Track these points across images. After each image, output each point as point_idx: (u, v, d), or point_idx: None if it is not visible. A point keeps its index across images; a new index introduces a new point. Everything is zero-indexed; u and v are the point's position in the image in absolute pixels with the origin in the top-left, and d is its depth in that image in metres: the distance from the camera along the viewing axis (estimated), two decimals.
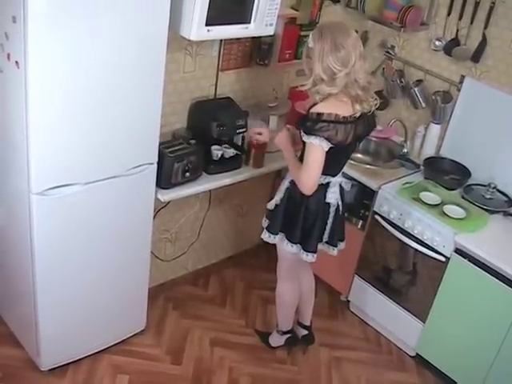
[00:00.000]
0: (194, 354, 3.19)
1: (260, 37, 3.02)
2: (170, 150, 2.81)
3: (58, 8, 2.06)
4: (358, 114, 2.49)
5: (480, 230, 2.99)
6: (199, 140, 2.95)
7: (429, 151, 3.55)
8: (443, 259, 3.03)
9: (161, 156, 2.73)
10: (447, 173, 3.40)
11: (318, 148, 2.43)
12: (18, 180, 2.46)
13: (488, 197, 3.23)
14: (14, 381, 2.82)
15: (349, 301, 3.66)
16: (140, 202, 2.78)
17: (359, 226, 3.41)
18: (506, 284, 2.78)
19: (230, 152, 3.06)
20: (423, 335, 3.24)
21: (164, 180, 2.81)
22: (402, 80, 3.59)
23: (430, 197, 3.17)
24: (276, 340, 3.28)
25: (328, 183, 2.67)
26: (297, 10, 3.16)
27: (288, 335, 3.25)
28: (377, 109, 2.61)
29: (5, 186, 2.64)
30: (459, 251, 2.94)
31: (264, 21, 2.78)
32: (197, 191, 3.00)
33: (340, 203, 2.76)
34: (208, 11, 2.52)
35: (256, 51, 3.18)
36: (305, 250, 2.76)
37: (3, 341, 3.00)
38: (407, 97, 3.59)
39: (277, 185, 2.91)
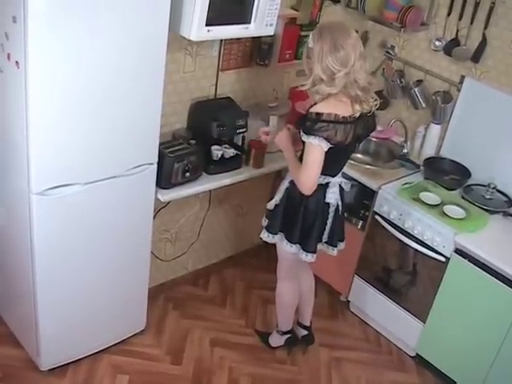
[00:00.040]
0: (193, 354, 3.19)
1: (260, 37, 3.02)
2: (170, 150, 2.81)
3: (58, 8, 2.06)
4: (357, 115, 2.49)
5: (480, 230, 2.99)
6: (199, 140, 2.95)
7: (429, 151, 3.55)
8: (443, 259, 3.03)
9: (161, 156, 2.73)
10: (447, 173, 3.40)
11: (317, 148, 2.43)
12: (17, 180, 2.46)
13: (488, 197, 3.23)
14: (13, 381, 2.82)
15: (349, 301, 3.66)
16: (140, 202, 2.78)
17: (359, 227, 3.41)
18: (506, 284, 2.78)
19: (230, 152, 3.06)
20: (423, 335, 3.24)
21: (164, 180, 2.82)
22: (402, 80, 3.59)
23: (430, 197, 3.17)
24: (276, 340, 3.28)
25: (327, 183, 2.67)
26: (297, 10, 3.16)
27: (288, 335, 3.25)
28: (377, 109, 2.61)
29: (5, 186, 2.64)
30: (459, 251, 2.94)
31: (264, 21, 2.78)
32: (197, 191, 3.00)
33: (340, 203, 2.76)
34: (208, 11, 2.52)
35: (256, 51, 3.18)
36: (304, 250, 2.76)
37: (3, 341, 3.00)
38: (407, 97, 3.59)
39: (277, 185, 2.91)
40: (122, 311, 3.00)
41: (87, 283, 2.76)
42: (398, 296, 3.34)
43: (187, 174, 2.85)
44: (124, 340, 3.13)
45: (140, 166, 2.66)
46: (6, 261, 2.89)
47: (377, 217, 3.28)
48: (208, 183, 3.00)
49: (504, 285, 2.79)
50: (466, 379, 3.11)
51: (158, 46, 2.44)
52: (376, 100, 2.57)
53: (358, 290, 3.54)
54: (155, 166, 2.73)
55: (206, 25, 2.56)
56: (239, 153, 3.11)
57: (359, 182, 3.29)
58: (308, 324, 3.27)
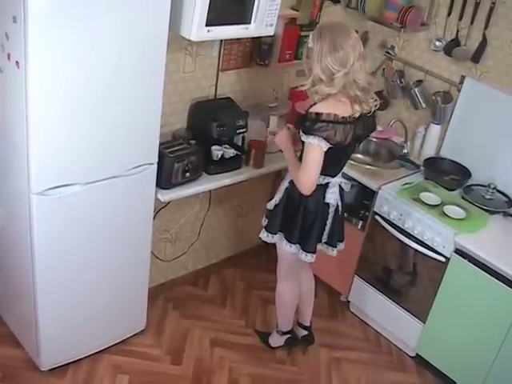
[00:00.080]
0: (193, 354, 3.19)
1: (260, 37, 3.02)
2: (170, 150, 2.81)
3: (58, 8, 2.06)
4: (357, 115, 2.48)
5: (480, 231, 2.99)
6: (199, 140, 2.95)
7: (429, 152, 3.55)
8: (443, 259, 3.03)
9: (161, 156, 2.73)
10: (447, 173, 3.40)
11: (316, 148, 2.43)
12: (18, 180, 2.46)
13: (488, 197, 3.22)
14: (14, 381, 2.82)
15: (349, 301, 3.66)
16: (140, 202, 2.78)
17: (359, 227, 3.41)
18: (506, 284, 2.78)
19: (230, 152, 3.06)
20: (423, 335, 3.24)
21: (164, 180, 2.82)
22: (402, 80, 3.59)
23: (430, 197, 3.17)
24: (276, 340, 3.28)
25: (327, 183, 2.67)
26: (297, 11, 3.16)
27: (288, 335, 3.25)
28: (377, 109, 2.61)
29: (5, 186, 2.64)
30: (459, 251, 2.94)
31: (264, 21, 2.78)
32: (197, 191, 3.00)
33: (339, 204, 2.76)
34: (208, 11, 2.52)
35: (256, 51, 3.18)
36: (304, 250, 2.76)
37: (3, 341, 3.00)
38: (407, 97, 3.59)
39: (277, 185, 2.91)
40: (122, 311, 3.00)
41: (87, 283, 2.76)
42: (398, 296, 3.34)
43: (187, 174, 2.85)
44: (124, 340, 3.13)
45: (140, 166, 2.66)
46: (5, 261, 2.89)
47: (377, 217, 3.28)
48: (208, 183, 3.00)
49: (504, 285, 2.79)
50: (466, 379, 3.11)
51: (158, 46, 2.44)
52: (376, 100, 2.57)
53: (358, 290, 3.54)
54: (155, 166, 2.73)
55: (206, 25, 2.56)
56: (239, 153, 3.11)
57: (359, 182, 3.29)
58: (308, 324, 3.27)
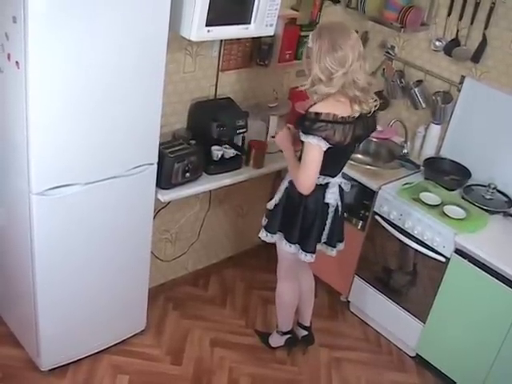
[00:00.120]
0: (194, 354, 3.19)
1: (260, 37, 3.02)
2: (170, 150, 2.81)
3: (58, 8, 2.06)
4: (356, 115, 2.48)
5: (480, 231, 2.99)
6: (199, 140, 2.95)
7: (429, 152, 3.55)
8: (443, 260, 3.03)
9: (161, 156, 2.73)
10: (447, 173, 3.40)
11: (315, 147, 2.43)
12: (18, 180, 2.46)
13: (488, 197, 3.22)
14: (14, 381, 2.82)
15: (349, 301, 3.66)
16: (140, 203, 2.78)
17: (359, 227, 3.41)
18: (506, 284, 2.78)
19: (230, 152, 3.06)
20: (423, 336, 3.24)
21: (164, 180, 2.82)
22: (402, 80, 3.59)
23: (430, 197, 3.17)
24: (276, 340, 3.28)
25: (327, 184, 2.67)
26: (297, 11, 3.16)
27: (288, 336, 3.25)
28: (377, 109, 2.61)
29: (5, 186, 2.64)
30: (459, 252, 2.94)
31: (264, 21, 2.78)
32: (197, 191, 3.00)
33: (339, 204, 2.76)
34: (208, 12, 2.52)
35: (256, 51, 3.18)
36: (303, 250, 2.76)
37: (3, 341, 3.00)
38: (407, 97, 3.59)
39: (277, 185, 2.91)
40: (122, 311, 3.00)
41: (87, 283, 2.76)
42: (398, 296, 3.34)
43: (187, 174, 2.85)
44: (124, 340, 3.12)
45: (140, 166, 2.66)
46: (6, 261, 2.89)
47: (377, 217, 3.28)
48: (208, 183, 3.00)
49: (504, 285, 2.79)
50: (466, 379, 3.11)
51: (158, 46, 2.44)
52: (376, 101, 2.57)
53: (358, 291, 3.54)
54: (155, 166, 2.73)
55: (206, 25, 2.56)
56: (239, 153, 3.11)
57: (359, 183, 3.29)
58: (308, 324, 3.27)
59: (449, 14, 3.31)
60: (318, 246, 2.82)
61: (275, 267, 3.02)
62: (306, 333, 3.27)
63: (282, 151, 2.75)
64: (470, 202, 3.17)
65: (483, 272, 2.85)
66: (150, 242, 2.98)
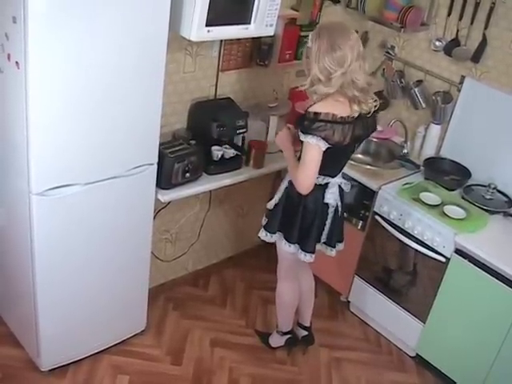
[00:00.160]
0: (194, 354, 3.19)
1: (260, 37, 3.02)
2: (171, 150, 2.81)
3: (58, 8, 2.06)
4: (356, 115, 2.48)
5: (480, 231, 2.99)
6: (199, 140, 2.95)
7: (429, 152, 3.55)
8: (443, 260, 3.03)
9: (161, 156, 2.73)
10: (447, 173, 3.40)
11: (314, 147, 2.43)
12: (18, 180, 2.46)
13: (488, 197, 3.22)
14: (14, 381, 2.82)
15: (349, 301, 3.66)
16: (140, 203, 2.78)
17: (359, 227, 3.40)
18: (506, 284, 2.78)
19: (230, 152, 3.06)
20: (423, 336, 3.24)
21: (164, 180, 2.82)
22: (402, 80, 3.59)
23: (430, 197, 3.17)
24: (276, 340, 3.28)
25: (326, 184, 2.67)
26: (297, 11, 3.16)
27: (288, 336, 3.25)
28: (377, 110, 2.60)
29: (5, 186, 2.64)
30: (459, 252, 2.94)
31: (264, 21, 2.78)
32: (197, 192, 3.00)
33: (339, 204, 2.75)
34: (208, 12, 2.52)
35: (256, 52, 3.18)
36: (303, 250, 2.76)
37: (3, 341, 3.00)
38: (407, 97, 3.59)
39: (277, 185, 2.91)
40: (122, 311, 3.00)
41: (87, 283, 2.76)
42: (398, 296, 3.33)
43: (187, 174, 2.85)
44: (124, 340, 3.12)
45: (140, 166, 2.66)
46: (6, 261, 2.89)
47: (377, 217, 3.28)
48: (208, 183, 3.00)
49: (504, 285, 2.79)
50: (466, 379, 3.11)
51: (158, 46, 2.44)
52: (376, 101, 2.56)
53: (358, 291, 3.54)
54: (155, 166, 2.73)
55: (206, 25, 2.56)
56: (239, 153, 3.11)
57: (359, 183, 3.29)
58: (308, 324, 3.27)
59: (449, 14, 3.31)
60: (318, 246, 2.82)
61: (275, 267, 3.02)
62: (306, 333, 3.27)
63: (282, 151, 2.75)
64: (470, 202, 3.17)
65: (483, 272, 2.85)
66: (150, 242, 2.98)
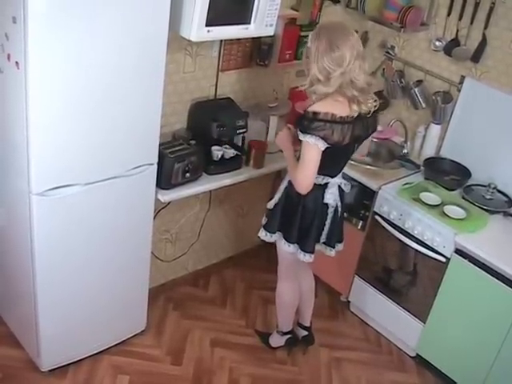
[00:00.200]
0: (194, 354, 3.19)
1: (260, 37, 3.02)
2: (170, 150, 2.81)
3: (58, 8, 2.06)
4: (355, 115, 2.48)
5: (480, 231, 2.99)
6: (199, 140, 2.95)
7: (429, 152, 3.55)
8: (443, 260, 3.03)
9: (161, 156, 2.73)
10: (447, 173, 3.40)
11: (313, 147, 2.43)
12: (18, 180, 2.46)
13: (488, 197, 3.22)
14: (14, 381, 2.82)
15: (349, 301, 3.66)
16: (140, 203, 2.78)
17: (359, 227, 3.40)
18: (507, 284, 2.78)
19: (230, 152, 3.06)
20: (423, 335, 3.24)
21: (164, 180, 2.82)
22: (402, 80, 3.59)
23: (430, 197, 3.17)
24: (276, 340, 3.28)
25: (326, 184, 2.67)
26: (297, 11, 3.16)
27: (288, 336, 3.25)
28: (377, 110, 2.60)
29: (5, 186, 2.64)
30: (459, 252, 2.94)
31: (264, 21, 2.78)
32: (197, 192, 3.00)
33: (339, 204, 2.75)
34: (208, 12, 2.52)
35: (256, 52, 3.18)
36: (302, 250, 2.76)
37: (3, 341, 3.00)
38: (407, 97, 3.59)
39: (277, 185, 2.91)
40: (122, 312, 3.00)
41: (87, 283, 2.76)
42: (398, 296, 3.33)
43: (187, 174, 2.85)
44: (124, 340, 3.12)
45: (140, 166, 2.66)
46: (6, 261, 2.89)
47: (377, 217, 3.28)
48: (208, 183, 3.00)
49: (504, 285, 2.79)
50: (466, 379, 3.11)
51: (158, 46, 2.44)
52: (376, 101, 2.56)
53: (358, 291, 3.54)
54: (155, 166, 2.73)
55: (206, 25, 2.56)
56: (239, 153, 3.11)
57: (359, 183, 3.29)
58: (308, 324, 3.27)
59: (449, 14, 3.31)
60: (317, 246, 2.82)
61: (275, 267, 3.02)
62: (306, 333, 3.27)
63: (282, 151, 2.75)
64: (470, 202, 3.17)
65: (483, 272, 2.85)
66: (150, 242, 2.98)
